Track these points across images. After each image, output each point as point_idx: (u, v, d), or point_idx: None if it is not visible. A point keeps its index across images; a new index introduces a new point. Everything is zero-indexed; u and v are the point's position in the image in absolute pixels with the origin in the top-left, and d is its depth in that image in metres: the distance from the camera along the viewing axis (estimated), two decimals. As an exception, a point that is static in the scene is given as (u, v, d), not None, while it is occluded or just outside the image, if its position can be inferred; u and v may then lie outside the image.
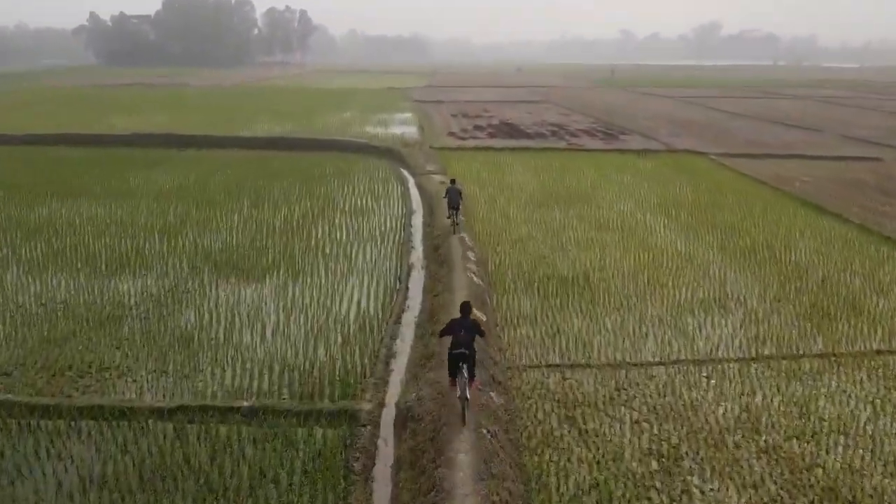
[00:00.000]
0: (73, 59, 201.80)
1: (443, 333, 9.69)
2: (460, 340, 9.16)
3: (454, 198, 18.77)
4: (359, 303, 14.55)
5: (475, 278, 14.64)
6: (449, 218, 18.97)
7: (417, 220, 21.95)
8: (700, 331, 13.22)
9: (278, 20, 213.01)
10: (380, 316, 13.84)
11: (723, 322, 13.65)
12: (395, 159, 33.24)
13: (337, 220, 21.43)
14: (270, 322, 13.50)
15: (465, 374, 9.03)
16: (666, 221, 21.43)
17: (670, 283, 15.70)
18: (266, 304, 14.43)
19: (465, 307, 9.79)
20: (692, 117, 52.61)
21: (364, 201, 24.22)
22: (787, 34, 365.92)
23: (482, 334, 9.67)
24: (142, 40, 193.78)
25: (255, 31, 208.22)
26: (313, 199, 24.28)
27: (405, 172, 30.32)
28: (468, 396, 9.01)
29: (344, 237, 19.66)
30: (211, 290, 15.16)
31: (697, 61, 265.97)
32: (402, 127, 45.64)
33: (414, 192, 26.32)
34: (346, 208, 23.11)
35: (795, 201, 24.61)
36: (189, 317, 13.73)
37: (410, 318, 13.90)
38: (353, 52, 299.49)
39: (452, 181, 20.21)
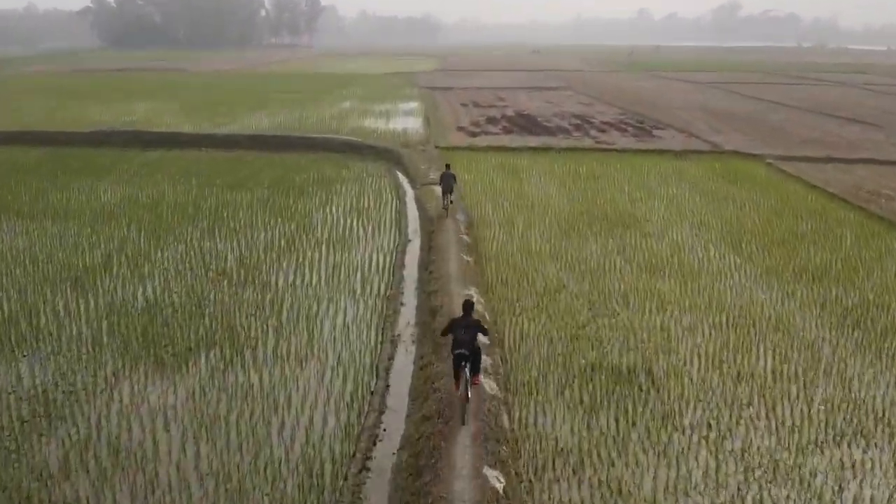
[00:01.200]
0: (79, 42, 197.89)
1: (444, 333, 9.62)
2: (461, 340, 9.10)
3: (448, 182, 19.31)
4: (311, 420, 9.74)
5: (488, 387, 9.78)
6: (444, 206, 19.47)
7: (412, 258, 17.06)
8: (841, 492, 8.32)
9: (285, 2, 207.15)
10: (342, 455, 9.01)
11: (873, 470, 8.74)
12: (393, 162, 28.32)
13: (308, 256, 16.61)
14: (169, 461, 8.74)
15: (468, 374, 9.09)
16: (737, 261, 16.41)
17: (770, 382, 10.77)
18: (175, 421, 9.67)
19: (467, 306, 9.66)
20: (729, 107, 47.11)
21: (348, 225, 19.36)
22: (809, 15, 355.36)
23: (485, 332, 9.66)
24: (147, 22, 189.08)
25: (262, 12, 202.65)
26: (285, 222, 19.48)
27: (404, 182, 25.43)
28: (469, 396, 9.10)
29: (314, 283, 14.86)
30: (105, 392, 10.43)
31: (717, 42, 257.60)
32: (405, 120, 40.60)
33: (412, 211, 21.42)
34: (324, 236, 18.27)
35: (892, 228, 19.47)
36: (54, 451, 9.00)
37: (386, 460, 9.00)
38: (364, 34, 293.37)
39: (447, 166, 20.26)
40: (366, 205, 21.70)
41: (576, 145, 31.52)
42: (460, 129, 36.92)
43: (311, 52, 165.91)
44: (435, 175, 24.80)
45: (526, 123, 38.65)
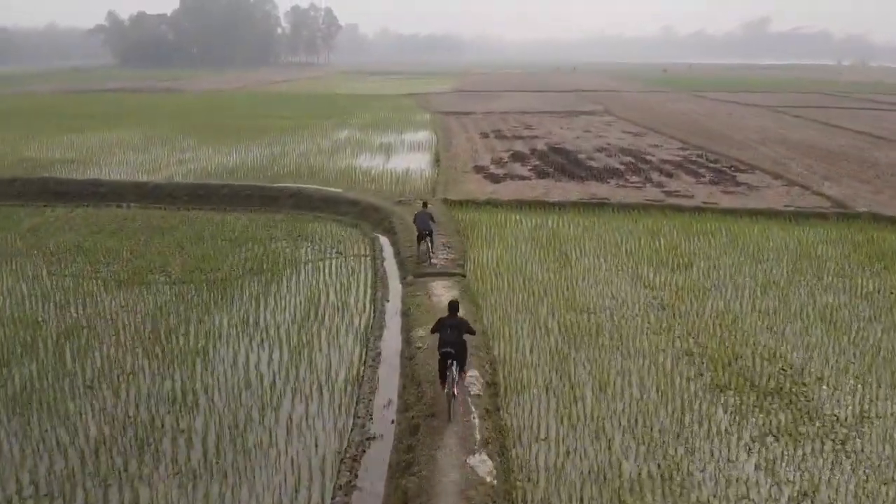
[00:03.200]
0: (93, 61, 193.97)
1: (434, 331, 9.75)
2: (447, 339, 9.24)
3: (424, 223, 16.24)
4: None
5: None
6: (422, 258, 16.10)
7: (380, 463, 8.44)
8: None
9: (303, 19, 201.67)
10: None
11: None
12: (382, 229, 19.77)
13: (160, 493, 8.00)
14: None
15: (455, 373, 9.12)
16: None
17: None
18: None
19: (453, 306, 9.84)
20: (816, 140, 37.98)
21: (263, 388, 10.73)
22: (841, 31, 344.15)
23: (472, 332, 9.73)
24: (160, 40, 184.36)
25: (279, 30, 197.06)
26: (166, 364, 10.95)
27: (390, 266, 16.80)
28: (455, 393, 9.08)
29: None
30: None
31: (746, 59, 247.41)
32: (410, 157, 32.12)
33: (393, 338, 12.72)
34: (211, 418, 9.66)
35: None
36: None
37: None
38: (385, 52, 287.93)
39: (424, 204, 17.36)
40: (322, 318, 13.10)
41: (638, 199, 22.72)
42: (479, 170, 28.31)
43: (327, 70, 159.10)
44: (444, 254, 16.29)
45: (563, 162, 29.94)
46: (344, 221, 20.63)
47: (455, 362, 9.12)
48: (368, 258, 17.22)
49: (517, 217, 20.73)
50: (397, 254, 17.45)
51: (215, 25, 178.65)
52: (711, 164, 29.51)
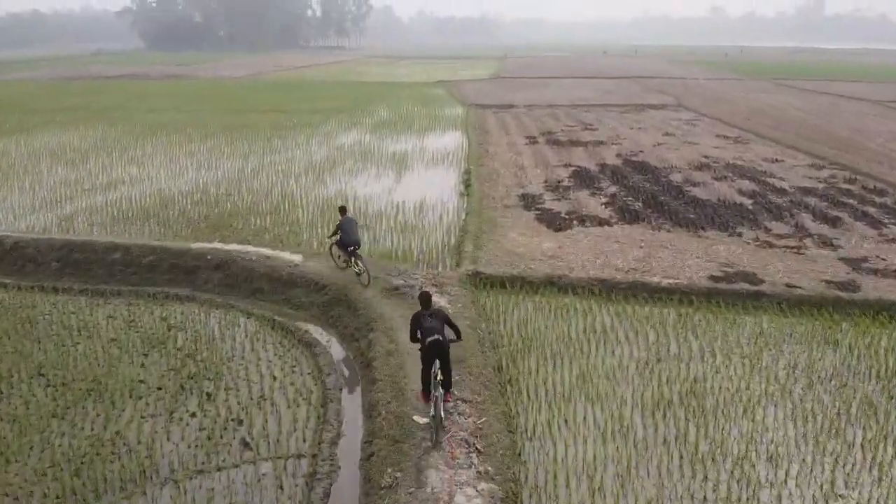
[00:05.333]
0: (120, 44, 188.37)
1: (413, 336, 8.40)
2: (433, 327, 8.11)
3: (350, 233, 12.63)
4: None
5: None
6: (344, 263, 13.01)
7: None
8: None
9: (333, 1, 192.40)
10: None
11: None
12: (355, 352, 10.62)
13: None
14: None
15: (440, 391, 7.89)
16: None
17: None
18: None
19: (425, 297, 8.66)
20: None
21: None
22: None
23: (455, 327, 8.51)
24: (187, 23, 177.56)
25: (309, 12, 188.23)
26: None
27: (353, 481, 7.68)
28: (443, 415, 7.96)
29: None
30: None
31: (801, 42, 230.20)
32: (429, 178, 22.80)
33: None
34: None
35: None
36: None
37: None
38: (420, 35, 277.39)
39: (342, 210, 13.28)
40: None
41: (813, 282, 13.06)
42: (528, 202, 18.95)
43: (357, 54, 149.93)
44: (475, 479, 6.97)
45: (653, 188, 20.35)
46: (294, 331, 11.47)
47: (439, 373, 7.91)
48: (322, 461, 8.09)
49: (605, 320, 11.42)
50: (370, 410, 8.30)
51: (243, 7, 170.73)
52: (878, 198, 19.58)
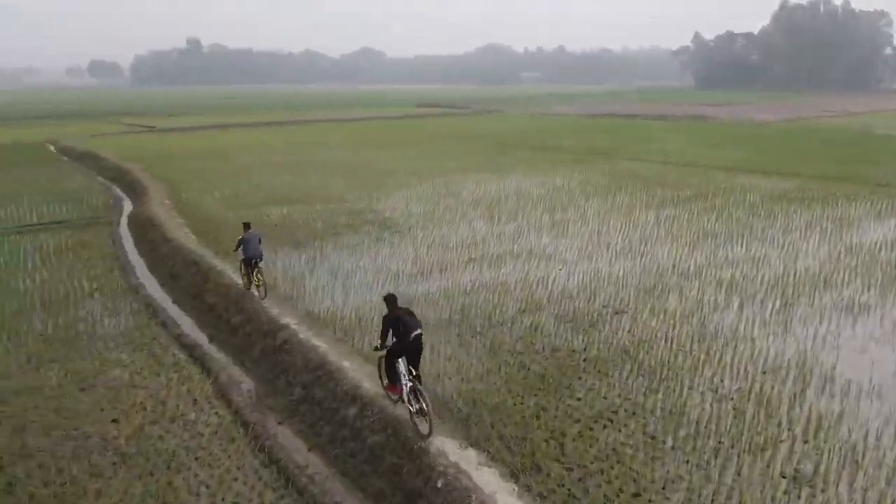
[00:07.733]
0: (675, 81, 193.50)
1: (384, 338, 8.48)
2: (415, 323, 8.36)
3: (253, 247, 13.78)
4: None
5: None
6: (244, 277, 14.31)
7: None
8: None
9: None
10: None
11: None
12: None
13: None
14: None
15: (412, 371, 8.24)
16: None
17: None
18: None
19: (391, 299, 8.67)
20: None
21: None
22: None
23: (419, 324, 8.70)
24: (741, 62, 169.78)
25: (888, 50, 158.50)
26: None
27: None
28: (428, 405, 8.10)
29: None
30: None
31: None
32: None
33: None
34: None
35: None
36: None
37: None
38: None
39: (247, 226, 14.36)
40: None
41: None
42: None
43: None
44: None
45: None
46: None
47: (413, 366, 8.42)
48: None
49: None
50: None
51: (808, 44, 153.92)
52: None
